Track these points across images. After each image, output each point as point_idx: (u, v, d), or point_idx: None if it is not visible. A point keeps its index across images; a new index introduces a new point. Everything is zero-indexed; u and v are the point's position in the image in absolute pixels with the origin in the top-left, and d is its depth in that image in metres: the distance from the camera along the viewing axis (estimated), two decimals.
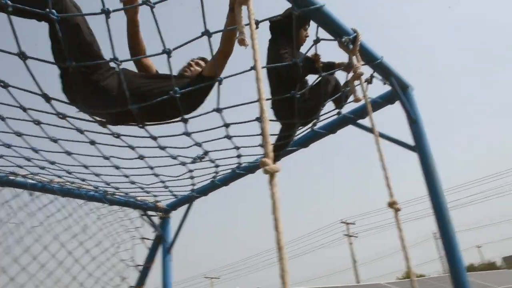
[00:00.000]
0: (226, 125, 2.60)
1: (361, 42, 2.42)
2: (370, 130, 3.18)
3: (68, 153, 2.91)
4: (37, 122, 2.41)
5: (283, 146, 3.12)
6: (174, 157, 3.04)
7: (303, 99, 2.73)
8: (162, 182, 3.71)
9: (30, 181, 3.90)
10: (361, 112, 3.18)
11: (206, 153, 3.06)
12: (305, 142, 3.43)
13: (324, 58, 2.71)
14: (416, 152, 2.86)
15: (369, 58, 2.62)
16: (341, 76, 2.92)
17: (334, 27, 2.27)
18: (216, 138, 2.81)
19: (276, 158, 3.35)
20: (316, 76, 2.68)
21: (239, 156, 3.23)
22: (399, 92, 2.86)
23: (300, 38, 2.88)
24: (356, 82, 2.40)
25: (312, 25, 2.43)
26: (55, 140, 2.68)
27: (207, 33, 1.94)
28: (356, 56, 2.38)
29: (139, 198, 4.55)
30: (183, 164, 3.22)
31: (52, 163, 3.19)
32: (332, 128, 3.27)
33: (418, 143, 2.85)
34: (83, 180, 3.79)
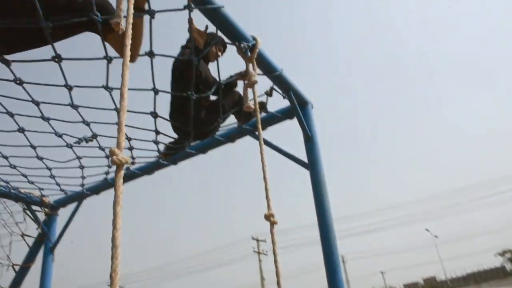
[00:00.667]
0: (117, 110, 2.43)
1: (260, 51, 2.42)
2: (268, 142, 3.21)
3: None
4: None
5: (174, 150, 3.06)
6: (59, 135, 2.75)
7: (199, 108, 2.69)
8: (48, 169, 3.40)
9: None
10: (262, 125, 3.18)
11: (94, 136, 2.85)
12: (203, 148, 3.36)
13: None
14: (308, 170, 2.89)
15: (268, 69, 2.61)
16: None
17: (233, 31, 2.23)
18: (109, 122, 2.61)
19: (167, 157, 3.25)
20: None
21: (130, 148, 3.06)
22: (296, 107, 2.90)
23: (211, 53, 2.84)
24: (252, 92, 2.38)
25: None
26: None
27: None
28: (253, 64, 2.37)
29: (22, 190, 4.17)
30: (70, 146, 2.94)
31: None
32: (230, 137, 3.24)
33: (312, 160, 2.90)
34: None
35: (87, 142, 2.87)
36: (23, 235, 4.38)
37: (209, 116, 2.74)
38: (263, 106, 3.01)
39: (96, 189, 4.08)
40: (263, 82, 2.92)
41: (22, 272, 4.34)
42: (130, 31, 1.33)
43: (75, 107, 2.38)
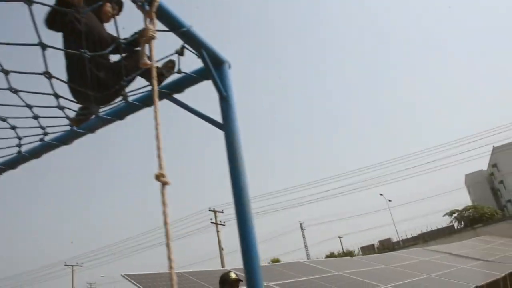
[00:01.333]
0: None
1: (162, 5, 2.26)
2: (184, 105, 3.08)
3: None
4: None
5: (84, 116, 2.87)
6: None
7: (98, 68, 2.51)
8: None
9: None
10: (178, 87, 3.04)
11: None
12: (119, 113, 3.18)
13: None
14: (223, 131, 2.79)
15: (174, 25, 2.46)
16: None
17: None
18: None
19: (78, 124, 3.07)
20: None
21: (36, 117, 2.84)
22: (209, 66, 2.76)
23: (103, 12, 2.65)
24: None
25: None
26: None
27: None
28: (152, 19, 2.20)
29: None
30: None
31: None
32: (146, 100, 3.07)
33: (226, 120, 2.79)
34: None
35: None
36: None
37: (110, 77, 2.56)
38: (173, 65, 2.86)
39: (12, 163, 3.82)
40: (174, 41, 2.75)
41: None
42: None
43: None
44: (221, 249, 27.37)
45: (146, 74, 2.73)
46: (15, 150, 3.60)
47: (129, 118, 3.30)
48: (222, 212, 29.27)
